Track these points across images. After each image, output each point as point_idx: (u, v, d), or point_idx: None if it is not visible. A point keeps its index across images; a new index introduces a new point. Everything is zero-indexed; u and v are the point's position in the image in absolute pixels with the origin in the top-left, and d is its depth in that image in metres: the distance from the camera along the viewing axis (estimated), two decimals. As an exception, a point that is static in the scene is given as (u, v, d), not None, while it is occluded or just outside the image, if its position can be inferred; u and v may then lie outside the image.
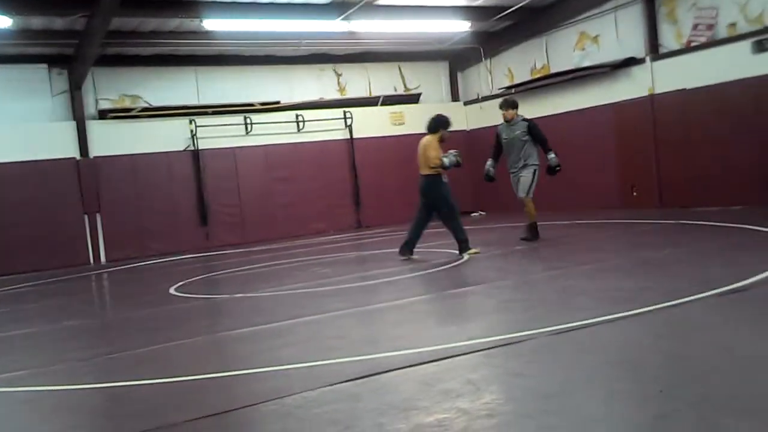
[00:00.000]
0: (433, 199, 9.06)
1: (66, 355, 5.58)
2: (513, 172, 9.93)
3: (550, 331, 4.58)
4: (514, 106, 10.01)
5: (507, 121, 9.97)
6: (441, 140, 9.12)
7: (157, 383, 4.39)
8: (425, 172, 9.04)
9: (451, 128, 9.37)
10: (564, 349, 4.25)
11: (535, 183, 9.82)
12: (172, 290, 8.75)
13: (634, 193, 13.82)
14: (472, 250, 8.94)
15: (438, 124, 9.20)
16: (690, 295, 5.19)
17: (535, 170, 9.81)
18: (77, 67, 14.09)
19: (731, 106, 11.80)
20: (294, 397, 3.70)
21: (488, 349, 4.31)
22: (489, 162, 10.26)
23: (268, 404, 3.65)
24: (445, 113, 9.52)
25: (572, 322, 4.71)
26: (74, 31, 13.11)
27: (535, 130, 9.82)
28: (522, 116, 10.05)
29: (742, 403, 3.03)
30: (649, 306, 4.99)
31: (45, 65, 14.35)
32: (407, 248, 9.19)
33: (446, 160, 8.92)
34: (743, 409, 2.95)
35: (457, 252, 8.99)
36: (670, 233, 9.79)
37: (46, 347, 6.04)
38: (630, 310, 4.92)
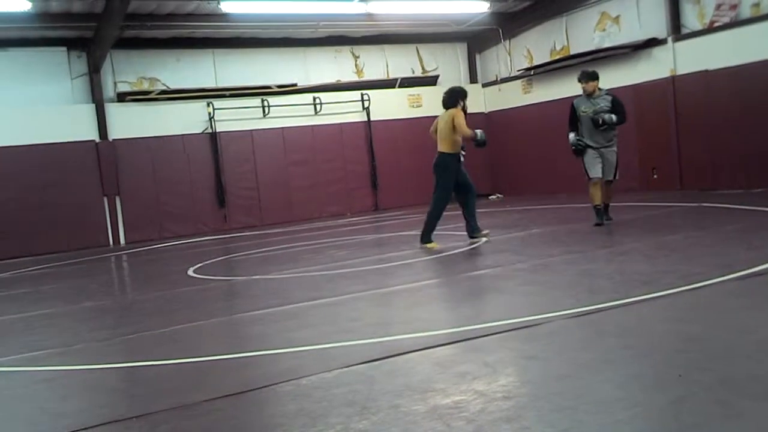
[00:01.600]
0: (438, 176, 8.60)
1: (85, 335, 5.65)
2: (594, 149, 8.95)
3: (567, 314, 4.56)
4: (595, 77, 9.06)
5: (588, 94, 9.02)
6: (463, 112, 8.58)
7: (174, 363, 4.43)
8: (442, 149, 8.55)
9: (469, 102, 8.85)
10: (581, 332, 4.23)
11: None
12: (190, 272, 8.82)
13: (655, 176, 13.69)
14: (432, 245, 8.52)
15: (456, 95, 8.67)
16: (709, 279, 5.14)
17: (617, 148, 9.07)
18: (96, 49, 14.15)
19: (754, 88, 11.61)
20: (310, 378, 3.72)
21: (504, 332, 4.30)
22: (573, 135, 9.09)
23: (284, 385, 3.67)
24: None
25: (589, 306, 4.69)
26: (93, 14, 13.16)
27: (620, 104, 8.98)
28: (605, 89, 9.26)
29: (760, 385, 3.00)
30: (668, 290, 4.96)
31: (64, 48, 14.44)
32: (473, 231, 8.79)
33: (479, 132, 8.47)
34: (762, 392, 2.92)
35: (419, 240, 8.69)
36: (691, 216, 9.69)
37: (66, 328, 6.12)
38: (648, 294, 4.88)
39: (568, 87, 15.29)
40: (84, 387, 4.25)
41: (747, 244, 6.73)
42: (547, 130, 15.94)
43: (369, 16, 15.09)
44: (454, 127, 8.43)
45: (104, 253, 13.10)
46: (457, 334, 4.32)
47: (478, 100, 18.20)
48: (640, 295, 4.86)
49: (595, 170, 8.93)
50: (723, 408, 2.81)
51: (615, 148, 8.99)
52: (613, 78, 14.31)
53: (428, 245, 8.52)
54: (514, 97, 17.22)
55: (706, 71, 12.40)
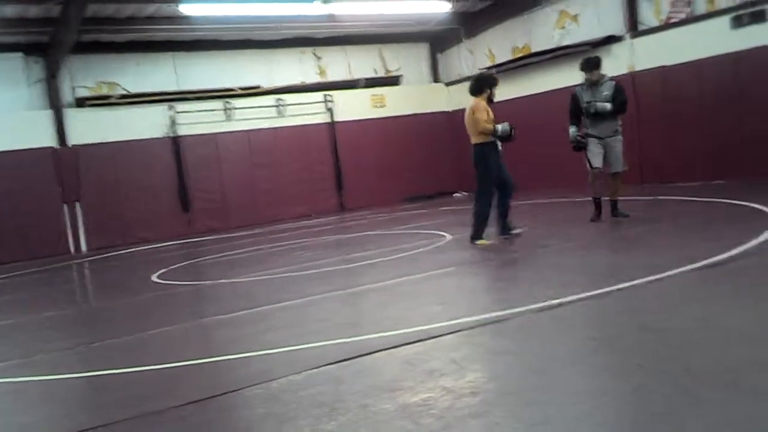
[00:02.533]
0: (477, 172, 7.95)
1: (48, 345, 5.53)
2: (599, 140, 8.50)
3: (533, 308, 4.60)
4: (598, 65, 8.54)
5: (593, 82, 8.53)
6: (490, 101, 7.98)
7: (140, 371, 4.36)
8: (475, 140, 7.91)
9: (495, 87, 8.13)
10: (547, 326, 4.27)
11: None
12: (154, 278, 8.70)
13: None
14: (483, 242, 7.90)
15: (482, 82, 8.04)
16: (670, 270, 5.23)
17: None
18: (53, 54, 13.90)
19: (711, 82, 11.86)
20: (279, 381, 3.70)
21: (471, 328, 4.32)
22: (573, 129, 8.67)
23: (252, 388, 3.64)
24: (485, 74, 8.38)
25: (555, 299, 4.74)
26: (49, 19, 12.92)
27: (620, 92, 8.47)
28: (608, 75, 8.73)
29: (721, 374, 3.06)
30: (631, 281, 5.03)
31: (20, 54, 14.16)
32: (505, 230, 8.09)
33: (500, 127, 7.79)
34: (724, 380, 2.98)
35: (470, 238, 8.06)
36: (651, 209, 9.85)
37: (28, 338, 5.98)
38: (612, 286, 4.95)
39: (531, 85, 15.52)
40: (46, 398, 4.16)
41: (706, 235, 6.88)
42: (511, 128, 16.08)
43: (331, 17, 15.06)
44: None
45: (65, 261, 12.86)
46: (425, 332, 4.33)
47: (441, 100, 18.31)
48: (604, 288, 4.93)
49: (596, 161, 8.51)
50: (688, 396, 2.86)
51: (620, 137, 8.57)
52: (574, 75, 14.46)
53: (480, 243, 7.90)
54: (477, 95, 17.30)
55: (664, 67, 12.62)
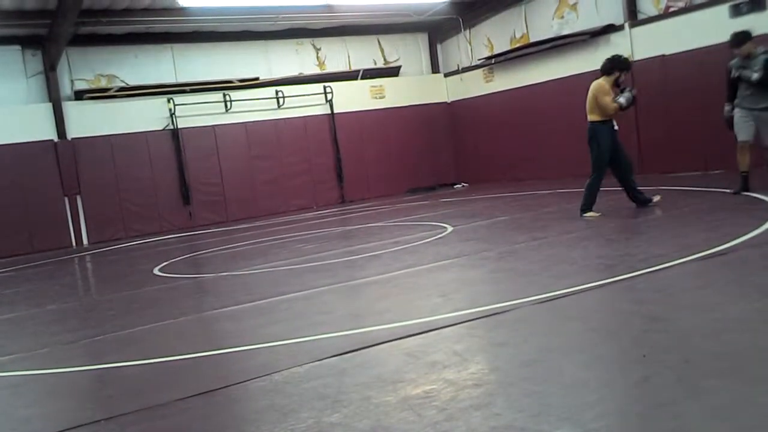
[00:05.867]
0: (592, 148, 8.25)
1: (51, 338, 5.55)
2: (749, 111, 8.35)
3: (533, 300, 4.62)
4: (741, 40, 8.34)
5: (744, 56, 8.35)
6: (616, 84, 8.24)
7: (143, 364, 4.39)
8: (592, 118, 8.22)
9: (625, 71, 8.33)
10: (547, 317, 4.29)
11: None
12: (156, 271, 8.72)
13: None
14: (591, 214, 8.24)
15: (614, 64, 8.22)
16: (670, 261, 5.25)
17: None
18: (51, 47, 13.87)
19: (710, 71, 11.82)
20: (282, 373, 3.72)
21: (473, 320, 4.34)
22: (727, 107, 8.60)
23: (255, 381, 3.66)
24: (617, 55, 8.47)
25: (555, 291, 4.76)
26: (47, 11, 12.88)
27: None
28: (762, 49, 8.38)
29: (721, 364, 3.09)
30: (630, 272, 5.05)
31: (18, 46, 14.13)
32: (644, 203, 8.43)
33: (622, 100, 8.06)
34: (724, 370, 3.01)
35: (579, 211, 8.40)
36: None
37: (31, 331, 6.01)
38: (611, 277, 4.97)
39: (529, 75, 15.51)
40: (50, 392, 4.18)
41: (705, 225, 6.89)
42: (510, 118, 16.08)
43: (329, 8, 15.02)
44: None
45: (67, 255, 12.88)
46: (427, 324, 4.35)
47: (441, 90, 18.29)
48: (603, 279, 4.95)
49: (742, 133, 8.38)
50: (687, 387, 2.89)
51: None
52: (572, 65, 14.50)
53: (588, 215, 8.25)
54: (476, 86, 17.32)
55: (663, 56, 12.60)
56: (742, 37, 8.41)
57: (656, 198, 8.48)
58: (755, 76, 8.18)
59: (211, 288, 7.43)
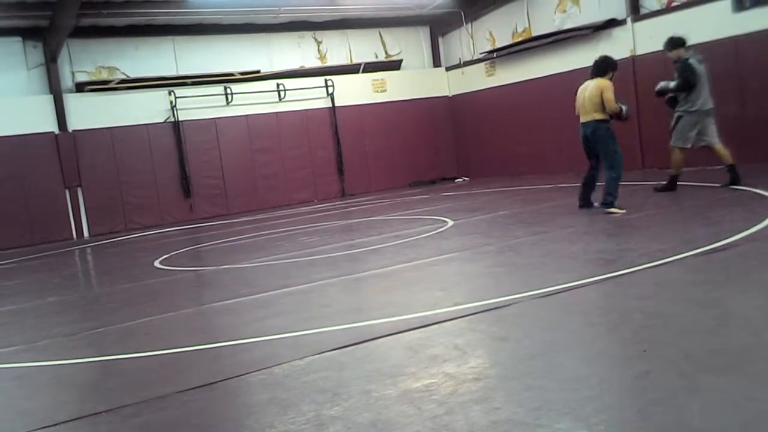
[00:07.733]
0: (602, 145, 8.25)
1: (52, 330, 5.56)
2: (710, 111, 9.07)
3: (534, 294, 4.63)
4: (680, 44, 9.01)
5: (675, 61, 9.04)
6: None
7: (144, 356, 4.40)
8: (595, 117, 8.22)
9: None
10: (547, 312, 4.30)
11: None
12: (157, 263, 8.73)
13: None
14: (616, 210, 8.02)
15: (608, 65, 8.39)
16: (670, 256, 5.25)
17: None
18: (52, 39, 13.84)
19: (712, 66, 11.75)
20: (282, 366, 3.73)
21: (473, 314, 4.35)
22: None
23: (255, 374, 3.67)
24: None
25: (555, 285, 4.76)
26: (48, 2, 12.87)
27: (682, 71, 8.95)
28: (691, 54, 9.06)
29: (721, 359, 3.09)
30: (631, 267, 5.05)
31: (19, 38, 14.11)
32: (586, 203, 8.62)
33: (624, 108, 8.19)
34: (724, 366, 3.01)
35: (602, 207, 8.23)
36: (651, 194, 9.84)
37: (32, 323, 6.02)
38: (612, 272, 4.97)
39: (531, 69, 15.48)
40: (51, 383, 4.19)
41: (706, 220, 6.89)
42: (511, 112, 16.07)
43: (331, 1, 15.00)
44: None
45: (68, 247, 12.89)
46: (428, 318, 4.36)
47: (442, 84, 18.26)
48: (604, 274, 4.95)
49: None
50: (687, 382, 2.89)
51: (678, 113, 9.21)
52: (574, 59, 14.46)
53: (611, 210, 8.04)
54: (478, 79, 17.29)
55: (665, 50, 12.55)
56: (675, 42, 8.96)
57: (618, 210, 8.03)
58: (672, 85, 8.89)
59: (211, 281, 7.44)
